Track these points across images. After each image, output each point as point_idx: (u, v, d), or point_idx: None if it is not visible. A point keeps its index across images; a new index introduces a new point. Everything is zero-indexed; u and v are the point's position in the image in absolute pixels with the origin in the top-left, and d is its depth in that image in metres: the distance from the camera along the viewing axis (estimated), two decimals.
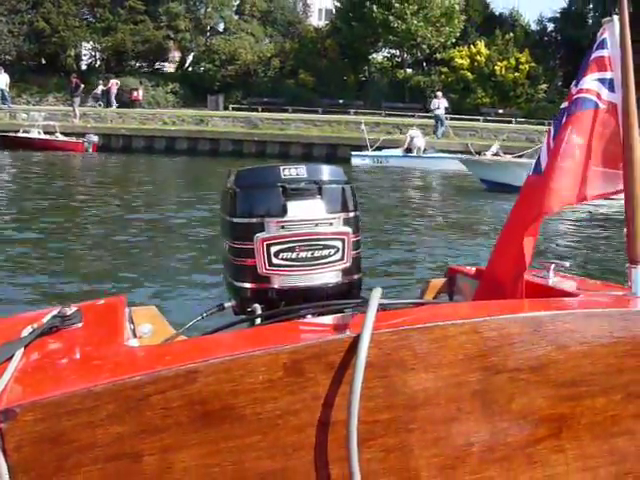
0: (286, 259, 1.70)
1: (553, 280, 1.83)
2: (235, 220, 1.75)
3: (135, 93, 35.72)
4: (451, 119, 30.60)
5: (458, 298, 2.19)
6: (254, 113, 32.26)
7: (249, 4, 40.53)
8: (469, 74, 36.24)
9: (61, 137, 27.94)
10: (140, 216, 11.22)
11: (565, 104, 1.83)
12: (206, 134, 28.57)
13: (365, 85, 38.11)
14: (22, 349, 1.43)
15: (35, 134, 27.50)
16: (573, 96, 1.82)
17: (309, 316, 1.64)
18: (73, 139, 28.03)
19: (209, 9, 39.99)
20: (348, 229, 1.76)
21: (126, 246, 8.41)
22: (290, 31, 40.80)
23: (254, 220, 1.71)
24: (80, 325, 1.57)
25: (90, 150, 27.51)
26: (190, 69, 41.33)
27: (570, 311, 1.47)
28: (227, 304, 1.86)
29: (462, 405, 1.35)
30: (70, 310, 1.58)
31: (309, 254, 1.70)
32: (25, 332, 1.53)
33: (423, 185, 20.19)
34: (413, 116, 32.71)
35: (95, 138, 28.24)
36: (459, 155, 21.20)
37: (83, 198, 13.70)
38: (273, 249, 1.69)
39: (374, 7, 35.33)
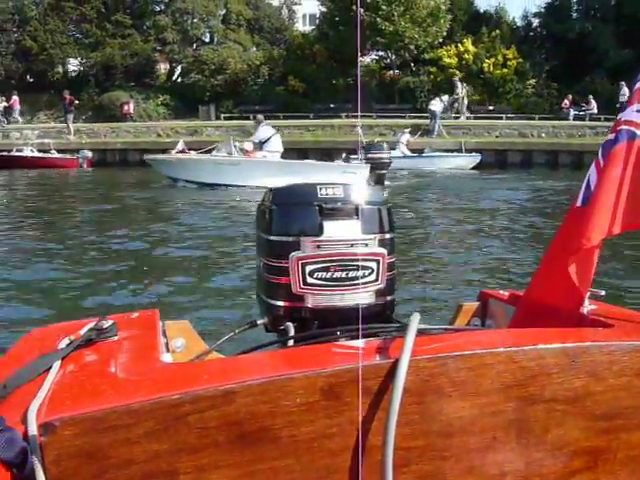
0: (321, 278, 1.71)
1: (588, 308, 1.77)
2: (271, 238, 1.76)
3: (126, 107, 35.77)
4: (442, 118, 30.74)
5: (490, 323, 2.15)
6: (247, 121, 32.32)
7: (235, 13, 40.61)
8: (457, 72, 36.40)
9: (55, 154, 27.94)
10: (162, 229, 11.21)
11: (611, 135, 1.83)
12: (203, 144, 28.55)
13: (355, 88, 38.21)
14: (59, 361, 1.45)
15: (28, 152, 27.48)
16: (617, 127, 1.82)
17: (343, 338, 1.62)
18: (67, 156, 28.04)
19: (195, 20, 40.06)
20: (383, 250, 1.76)
21: (157, 261, 8.47)
22: (277, 38, 40.92)
23: (290, 238, 1.72)
24: (116, 338, 1.58)
25: (84, 166, 27.53)
26: (179, 80, 41.38)
27: (608, 342, 1.43)
28: (259, 321, 1.86)
29: (497, 434, 1.34)
30: (107, 323, 1.59)
31: (344, 274, 1.71)
32: (62, 344, 1.55)
33: (432, 186, 20.23)
34: (404, 117, 32.86)
35: (89, 154, 28.28)
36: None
37: (93, 214, 13.73)
38: (308, 268, 1.70)
39: (361, 10, 35.43)
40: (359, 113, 28.68)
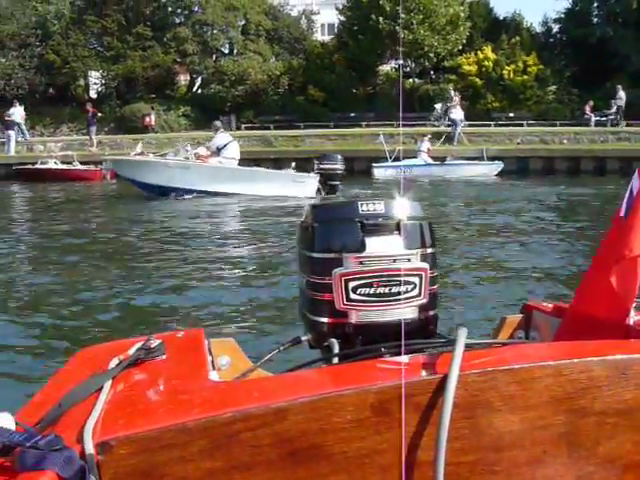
0: (364, 294, 1.71)
1: (635, 319, 1.74)
2: (314, 255, 1.77)
3: (147, 118, 36.01)
4: (463, 126, 30.70)
5: (535, 335, 2.13)
6: (268, 131, 32.48)
7: (254, 24, 40.82)
8: (477, 80, 36.40)
9: (79, 166, 28.13)
10: (203, 244, 11.22)
11: None
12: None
13: (375, 97, 38.30)
14: (110, 380, 1.47)
15: (52, 164, 27.70)
16: None
17: (389, 354, 1.61)
18: (91, 167, 28.21)
19: (215, 31, 40.31)
20: (425, 265, 1.77)
21: (195, 277, 8.44)
22: (296, 48, 41.08)
23: (332, 255, 1.73)
24: (163, 357, 1.60)
25: (108, 177, 27.65)
26: (200, 91, 41.67)
27: None
28: (303, 337, 1.86)
29: (547, 448, 1.33)
30: (154, 342, 1.61)
31: (387, 290, 1.71)
32: (112, 363, 1.56)
33: (457, 195, 20.11)
34: (424, 125, 32.85)
35: (112, 166, 28.43)
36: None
37: (122, 229, 13.78)
38: (351, 284, 1.71)
39: (380, 19, 35.54)
40: (401, 123, 28.64)
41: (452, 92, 33.21)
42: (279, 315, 6.33)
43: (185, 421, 1.23)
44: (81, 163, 28.34)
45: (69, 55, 39.12)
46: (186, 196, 18.41)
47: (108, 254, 10.50)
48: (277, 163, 27.70)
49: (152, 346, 1.59)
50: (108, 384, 1.45)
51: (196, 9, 40.68)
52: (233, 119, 36.20)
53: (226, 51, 42.14)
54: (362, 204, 1.75)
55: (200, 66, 40.33)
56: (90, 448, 1.20)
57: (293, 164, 19.88)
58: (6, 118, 33.92)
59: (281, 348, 1.90)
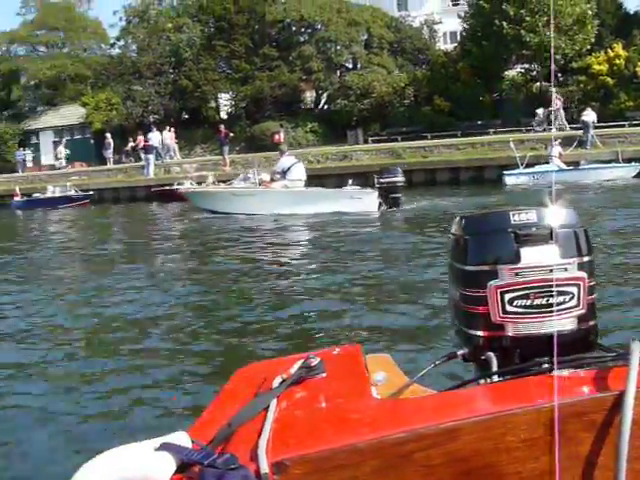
0: (520, 306, 1.66)
1: None
2: (467, 268, 1.73)
3: (277, 136, 36.89)
4: (596, 127, 29.82)
5: None
6: (395, 143, 32.67)
7: (377, 37, 41.21)
8: (609, 79, 35.25)
9: (212, 186, 29.21)
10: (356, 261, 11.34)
11: None
12: (352, 169, 29.18)
13: (501, 103, 37.81)
14: (275, 399, 1.48)
15: (188, 185, 28.90)
16: None
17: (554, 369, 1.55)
18: None
19: (339, 47, 40.98)
20: (583, 274, 1.69)
21: (351, 292, 8.50)
22: (420, 58, 41.14)
23: (486, 268, 1.69)
24: (324, 375, 1.59)
25: None
26: (326, 107, 42.45)
27: None
28: (459, 352, 1.81)
29: None
30: (315, 360, 1.61)
31: (544, 301, 1.65)
32: (275, 382, 1.57)
33: (595, 200, 19.17)
34: (553, 129, 32.12)
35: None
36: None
37: (270, 245, 14.25)
38: (507, 296, 1.66)
39: (504, 24, 35.08)
40: (554, 128, 28.33)
41: (554, 95, 32.27)
42: (429, 329, 6.34)
43: (356, 441, 1.24)
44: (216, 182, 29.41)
45: (200, 79, 40.84)
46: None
47: (255, 272, 10.84)
48: (407, 175, 27.88)
49: (313, 364, 1.59)
50: (274, 403, 1.46)
51: (319, 27, 41.49)
52: (360, 133, 36.65)
53: (350, 66, 42.71)
54: (513, 214, 1.70)
55: (325, 82, 41.11)
56: (265, 467, 1.23)
57: (350, 181, 20.18)
58: (145, 143, 35.89)
59: (436, 363, 1.86)
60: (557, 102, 31.20)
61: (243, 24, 41.15)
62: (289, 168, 19.87)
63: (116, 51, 49.39)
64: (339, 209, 18.21)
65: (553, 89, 34.57)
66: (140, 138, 38.73)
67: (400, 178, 18.88)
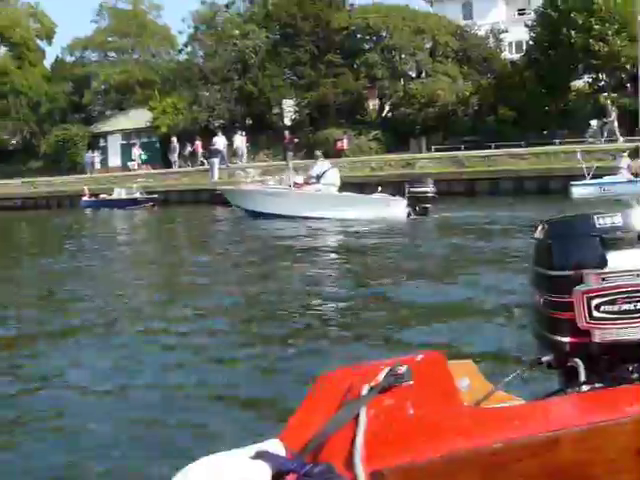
0: (607, 312, 1.62)
1: None
2: (552, 273, 1.70)
3: (340, 143, 37.28)
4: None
5: None
6: (458, 152, 32.54)
7: (442, 45, 41.12)
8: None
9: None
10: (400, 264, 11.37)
11: None
12: (413, 176, 29.16)
13: (567, 113, 37.29)
14: (365, 407, 1.45)
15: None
16: None
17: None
18: None
19: (403, 55, 41.02)
20: None
21: (428, 299, 8.41)
22: (485, 67, 40.88)
23: (572, 273, 1.66)
24: (411, 382, 1.55)
25: None
26: (390, 115, 42.51)
27: None
28: (544, 358, 1.78)
29: None
30: (402, 368, 1.57)
31: (632, 306, 1.61)
32: (363, 390, 1.54)
33: None
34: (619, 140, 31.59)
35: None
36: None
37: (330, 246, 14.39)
38: (594, 302, 1.62)
39: (572, 32, 34.65)
40: None
41: (610, 107, 31.70)
42: (506, 334, 6.18)
43: (452, 451, 1.23)
44: None
45: (265, 85, 41.39)
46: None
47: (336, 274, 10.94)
48: (469, 184, 27.81)
49: (400, 372, 1.56)
50: (364, 411, 1.44)
51: (384, 34, 41.58)
52: (423, 141, 36.63)
53: (413, 74, 42.69)
54: (598, 218, 1.67)
55: (389, 90, 41.21)
56: (362, 478, 1.22)
57: (379, 188, 20.71)
58: (210, 147, 36.54)
59: (521, 370, 1.82)
60: (612, 114, 30.66)
61: (308, 31, 41.55)
62: (324, 173, 20.59)
63: (183, 57, 50.47)
64: (367, 215, 18.67)
65: (608, 100, 34.00)
66: (197, 143, 39.77)
67: (430, 188, 19.48)
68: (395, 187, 21.11)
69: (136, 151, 43.87)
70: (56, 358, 6.47)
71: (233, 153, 38.65)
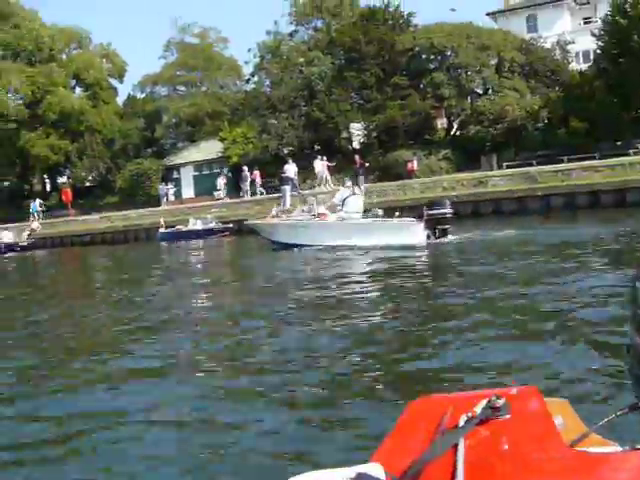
0: None
1: None
2: None
3: (410, 164, 37.34)
4: None
5: None
6: (531, 168, 32.18)
7: (508, 61, 40.86)
8: None
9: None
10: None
11: None
12: (487, 195, 29.04)
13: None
14: (462, 439, 1.44)
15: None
16: None
17: None
18: None
19: (469, 73, 40.90)
20: None
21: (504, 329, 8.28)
22: (553, 80, 40.41)
23: None
24: (508, 417, 1.52)
25: None
26: (458, 133, 42.41)
27: None
28: None
29: None
30: (500, 402, 1.53)
31: None
32: (461, 420, 1.52)
33: None
34: None
35: (380, 212, 29.78)
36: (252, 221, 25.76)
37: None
38: None
39: None
40: None
41: None
42: (601, 374, 5.98)
43: None
44: None
45: (333, 110, 41.82)
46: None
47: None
48: (543, 200, 27.44)
49: (498, 405, 1.54)
50: (462, 442, 1.43)
51: (449, 53, 41.57)
52: (494, 158, 36.37)
53: (480, 91, 42.51)
54: None
55: (457, 108, 41.16)
56: None
57: (397, 213, 21.29)
58: (282, 175, 37.10)
59: (618, 413, 1.72)
60: None
61: (373, 54, 41.86)
62: (345, 200, 21.35)
63: (251, 86, 51.37)
64: (388, 241, 19.11)
65: None
66: (256, 173, 40.74)
67: (448, 210, 19.87)
68: (414, 211, 21.90)
69: (221, 180, 44.81)
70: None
71: (315, 178, 39.34)
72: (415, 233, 19.33)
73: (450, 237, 19.55)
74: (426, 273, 14.75)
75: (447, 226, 19.72)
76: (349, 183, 23.69)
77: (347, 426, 5.22)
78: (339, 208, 21.44)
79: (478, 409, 1.53)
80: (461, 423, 1.51)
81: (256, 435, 5.21)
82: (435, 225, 19.52)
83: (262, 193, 41.22)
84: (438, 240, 19.28)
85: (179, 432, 5.49)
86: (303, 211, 23.00)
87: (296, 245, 21.10)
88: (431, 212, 19.63)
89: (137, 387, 6.96)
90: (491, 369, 6.53)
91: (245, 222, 27.00)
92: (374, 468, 1.33)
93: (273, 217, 24.40)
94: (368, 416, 5.30)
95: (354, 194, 21.91)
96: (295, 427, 5.32)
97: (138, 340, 9.57)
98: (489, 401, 1.54)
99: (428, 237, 19.38)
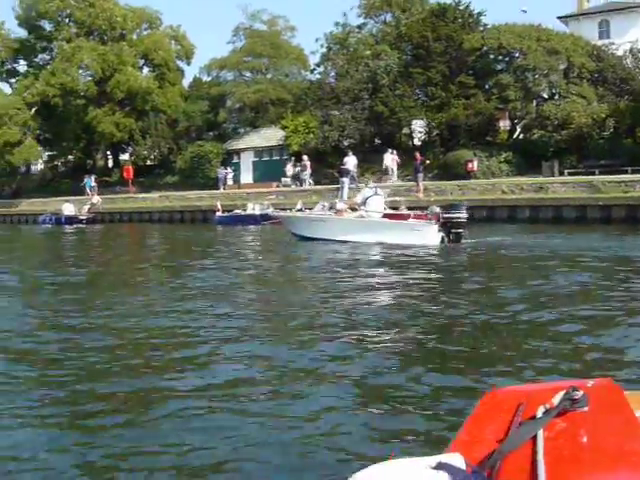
0: None
1: None
2: None
3: (470, 164, 37.10)
4: None
5: None
6: (593, 177, 31.74)
7: (577, 67, 40.25)
8: None
9: (405, 211, 29.76)
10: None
11: None
12: (547, 201, 28.75)
13: None
14: (542, 430, 1.45)
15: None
16: None
17: None
18: (417, 212, 29.66)
19: (537, 76, 40.42)
20: None
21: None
22: (623, 89, 39.70)
23: None
24: (585, 409, 1.52)
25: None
26: (521, 137, 41.98)
27: None
28: None
29: None
30: (578, 393, 1.55)
31: None
32: (539, 412, 1.54)
33: None
34: None
35: (437, 209, 29.70)
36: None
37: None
38: None
39: None
40: None
41: None
42: None
43: None
44: (408, 208, 29.93)
45: (396, 105, 41.75)
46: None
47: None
48: (604, 210, 27.04)
49: (576, 397, 1.54)
50: (541, 433, 1.44)
51: (517, 55, 41.12)
52: (556, 164, 35.93)
53: (546, 95, 41.98)
54: None
55: (522, 111, 40.73)
56: None
57: (412, 214, 21.72)
58: (341, 167, 37.27)
59: None
60: None
61: (441, 52, 41.62)
62: (366, 200, 21.78)
63: (316, 76, 51.55)
64: (401, 240, 19.44)
65: None
66: (306, 163, 41.65)
67: (464, 214, 19.97)
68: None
69: (290, 167, 45.18)
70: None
71: (384, 171, 39.67)
72: (426, 234, 19.65)
73: (464, 241, 19.63)
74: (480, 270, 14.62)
75: (461, 230, 19.80)
76: (372, 184, 24.34)
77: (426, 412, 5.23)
78: (363, 207, 21.91)
79: (556, 401, 1.56)
80: (539, 415, 1.53)
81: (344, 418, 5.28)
82: (450, 228, 19.70)
83: (310, 183, 41.68)
84: (452, 244, 19.43)
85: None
86: (324, 207, 23.75)
87: (313, 238, 21.75)
88: (447, 215, 19.83)
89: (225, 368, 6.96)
90: (565, 358, 6.53)
91: (270, 212, 28.25)
92: (455, 458, 1.34)
93: (297, 211, 25.44)
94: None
95: (376, 194, 22.30)
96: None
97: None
98: (567, 393, 1.56)
99: (442, 240, 19.58)
